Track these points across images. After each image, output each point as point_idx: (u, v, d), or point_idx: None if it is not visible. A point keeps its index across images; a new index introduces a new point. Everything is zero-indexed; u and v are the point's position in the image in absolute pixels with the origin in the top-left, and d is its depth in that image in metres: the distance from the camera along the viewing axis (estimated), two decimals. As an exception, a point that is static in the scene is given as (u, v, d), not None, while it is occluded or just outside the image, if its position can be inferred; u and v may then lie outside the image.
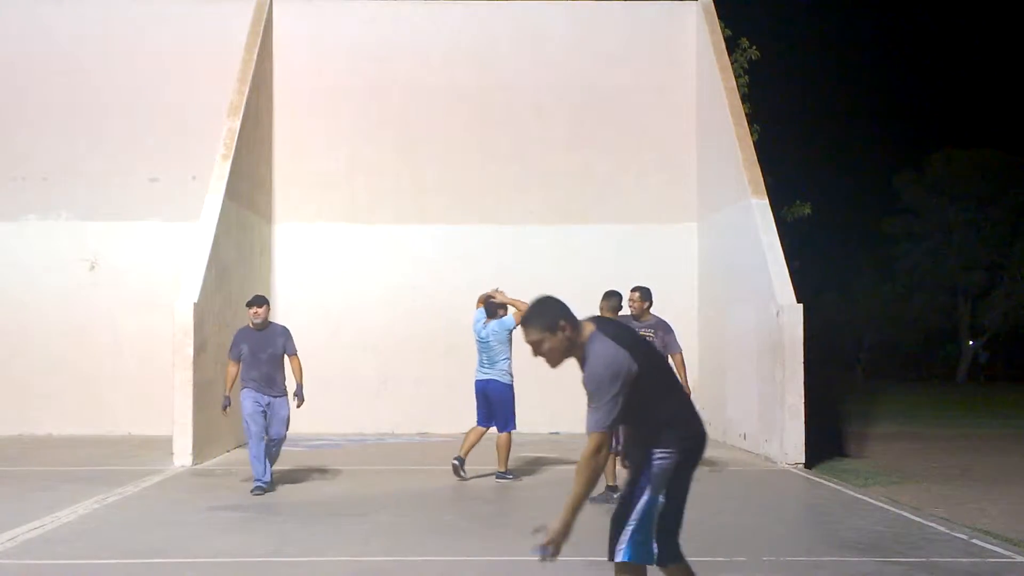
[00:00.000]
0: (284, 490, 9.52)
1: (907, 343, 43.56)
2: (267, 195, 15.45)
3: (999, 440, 15.67)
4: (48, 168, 15.41)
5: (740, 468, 11.33)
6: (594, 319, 4.24)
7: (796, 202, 19.06)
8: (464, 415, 14.13)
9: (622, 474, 4.93)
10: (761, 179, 13.10)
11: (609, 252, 15.32)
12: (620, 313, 9.39)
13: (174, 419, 11.32)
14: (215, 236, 12.41)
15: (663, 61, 16.00)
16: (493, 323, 9.88)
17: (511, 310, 9.80)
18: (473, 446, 10.15)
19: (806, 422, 11.31)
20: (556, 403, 12.67)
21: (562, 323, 4.10)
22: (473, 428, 10.20)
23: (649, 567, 4.24)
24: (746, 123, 14.12)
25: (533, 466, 11.18)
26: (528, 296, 4.62)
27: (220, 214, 12.64)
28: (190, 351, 11.34)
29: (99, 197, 15.31)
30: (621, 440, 4.38)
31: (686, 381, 9.81)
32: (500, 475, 10.13)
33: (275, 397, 9.35)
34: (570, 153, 15.84)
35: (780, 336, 11.49)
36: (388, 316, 15.40)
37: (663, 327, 9.68)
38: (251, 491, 9.26)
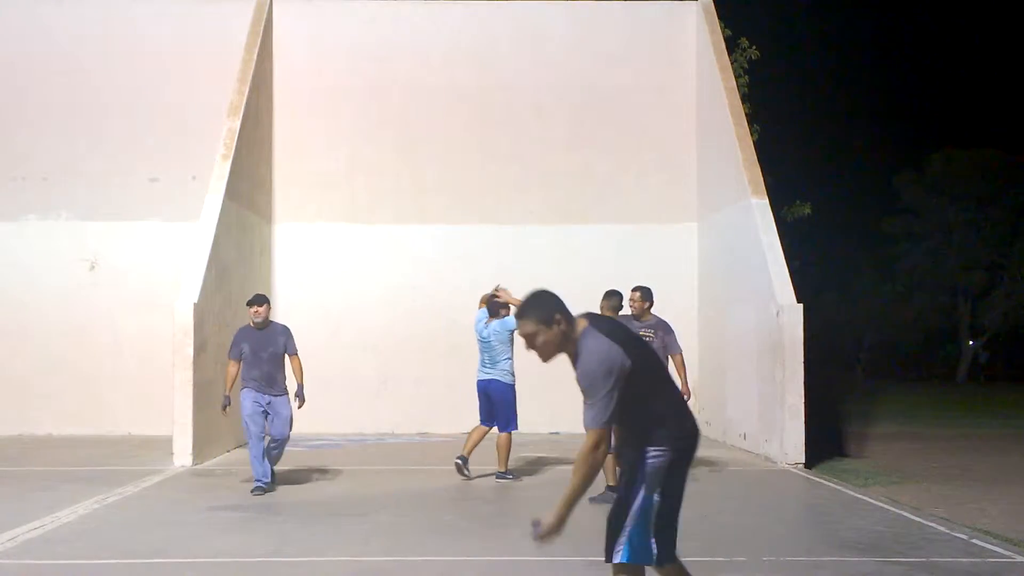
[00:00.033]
0: (284, 490, 9.51)
1: (907, 343, 43.55)
2: (267, 195, 15.45)
3: (999, 440, 15.66)
4: (48, 168, 15.41)
5: (740, 468, 11.33)
6: (587, 315, 4.21)
7: (796, 202, 19.06)
8: (464, 415, 14.14)
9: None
10: (761, 179, 13.10)
11: (609, 252, 15.32)
12: (620, 313, 9.39)
13: (174, 419, 11.32)
14: (215, 236, 12.41)
15: (663, 61, 16.00)
16: (495, 323, 9.89)
17: (513, 310, 9.80)
18: (476, 445, 10.16)
19: (806, 422, 11.32)
20: (556, 403, 12.65)
21: (557, 317, 4.08)
22: (476, 427, 10.21)
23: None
24: (746, 123, 14.13)
25: (533, 466, 11.18)
26: (528, 296, 4.61)
27: (220, 214, 12.65)
28: (190, 351, 11.35)
29: (99, 197, 15.32)
30: (614, 439, 4.35)
31: (686, 382, 9.83)
32: (500, 475, 10.13)
33: (276, 396, 9.34)
34: (570, 153, 15.84)
35: (780, 336, 11.49)
36: (388, 316, 15.40)
37: (663, 327, 9.69)
38: (251, 491, 9.26)
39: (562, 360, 4.19)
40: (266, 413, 9.35)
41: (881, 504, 8.94)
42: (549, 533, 4.08)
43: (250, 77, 14.38)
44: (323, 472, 10.71)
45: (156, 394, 13.18)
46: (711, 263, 14.98)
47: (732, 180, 13.76)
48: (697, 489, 9.72)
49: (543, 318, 4.08)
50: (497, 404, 10.01)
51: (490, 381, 10.01)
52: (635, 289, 9.70)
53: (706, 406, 14.79)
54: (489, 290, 10.03)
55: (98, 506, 8.65)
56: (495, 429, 10.13)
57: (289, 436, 9.52)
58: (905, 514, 8.42)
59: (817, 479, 10.55)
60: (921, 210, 40.21)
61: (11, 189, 15.39)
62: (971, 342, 41.76)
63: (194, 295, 11.66)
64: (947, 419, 19.72)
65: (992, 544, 7.18)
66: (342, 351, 15.03)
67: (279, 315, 13.36)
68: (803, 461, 11.25)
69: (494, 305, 9.90)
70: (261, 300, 9.49)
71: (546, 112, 15.91)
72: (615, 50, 16.01)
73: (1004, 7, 52.93)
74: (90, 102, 15.44)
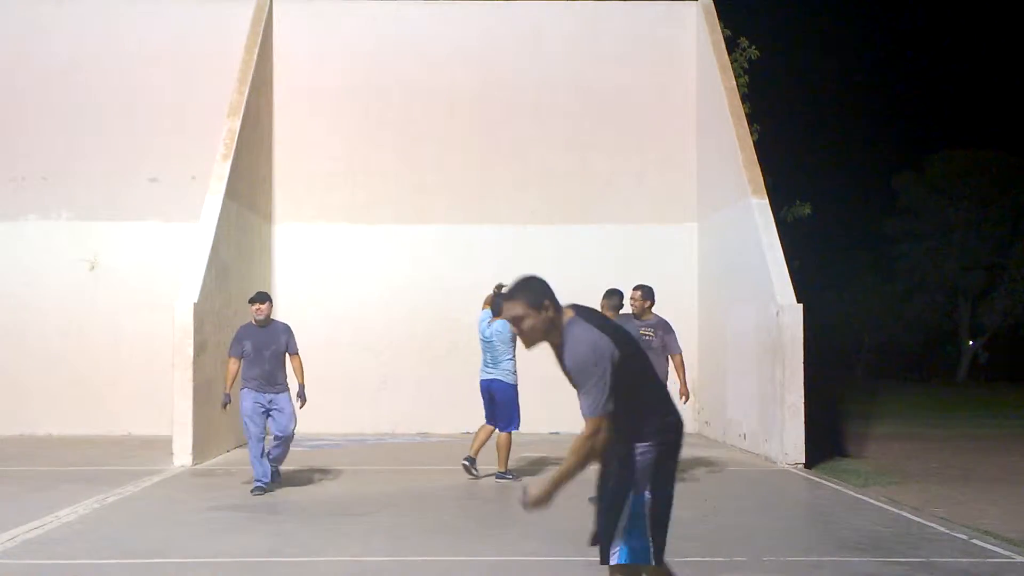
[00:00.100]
0: (284, 490, 9.51)
1: (907, 343, 43.52)
2: (267, 195, 15.45)
3: (999, 440, 15.66)
4: (48, 168, 15.41)
5: (740, 468, 11.33)
6: (574, 306, 4.19)
7: (796, 202, 19.06)
8: (464, 415, 14.19)
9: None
10: (761, 179, 13.11)
11: (609, 252, 15.32)
12: (621, 312, 9.40)
13: (174, 419, 11.32)
14: (215, 236, 12.42)
15: (663, 61, 16.00)
16: (497, 323, 9.89)
17: None
18: (483, 444, 10.17)
19: (806, 422, 11.32)
20: (556, 403, 12.63)
21: (546, 303, 4.07)
22: (482, 426, 10.24)
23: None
24: (746, 123, 14.13)
25: (533, 466, 11.18)
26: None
27: (220, 214, 12.65)
28: (190, 351, 11.35)
29: (99, 197, 15.32)
30: None
31: (685, 383, 9.85)
32: (500, 475, 10.14)
33: (277, 393, 9.32)
34: (570, 153, 15.84)
35: (780, 336, 11.49)
36: (388, 316, 15.40)
37: (663, 326, 9.71)
38: (251, 491, 9.26)
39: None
40: (267, 413, 9.34)
41: (881, 504, 8.94)
42: (535, 504, 4.07)
43: (250, 77, 14.39)
44: (323, 472, 10.71)
45: (156, 394, 13.19)
46: (711, 263, 14.99)
47: (732, 180, 13.76)
48: (697, 489, 9.77)
49: (532, 302, 4.07)
50: (498, 403, 10.02)
51: (492, 381, 10.03)
52: (636, 288, 9.73)
53: (706, 406, 14.81)
54: (490, 290, 10.03)
55: (98, 506, 8.66)
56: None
57: (293, 433, 9.46)
58: (905, 514, 8.42)
59: (817, 479, 10.55)
60: (921, 210, 40.18)
61: (11, 189, 15.39)
62: (971, 342, 41.74)
63: (194, 295, 11.66)
64: (947, 419, 19.72)
65: (992, 544, 7.18)
66: (342, 351, 15.04)
67: (279, 315, 13.33)
68: (803, 461, 11.25)
69: (499, 303, 9.89)
70: (263, 298, 9.48)
71: (546, 112, 15.91)
72: (615, 50, 16.02)
73: (1004, 7, 52.94)
74: (90, 102, 15.44)
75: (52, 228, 15.33)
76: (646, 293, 9.72)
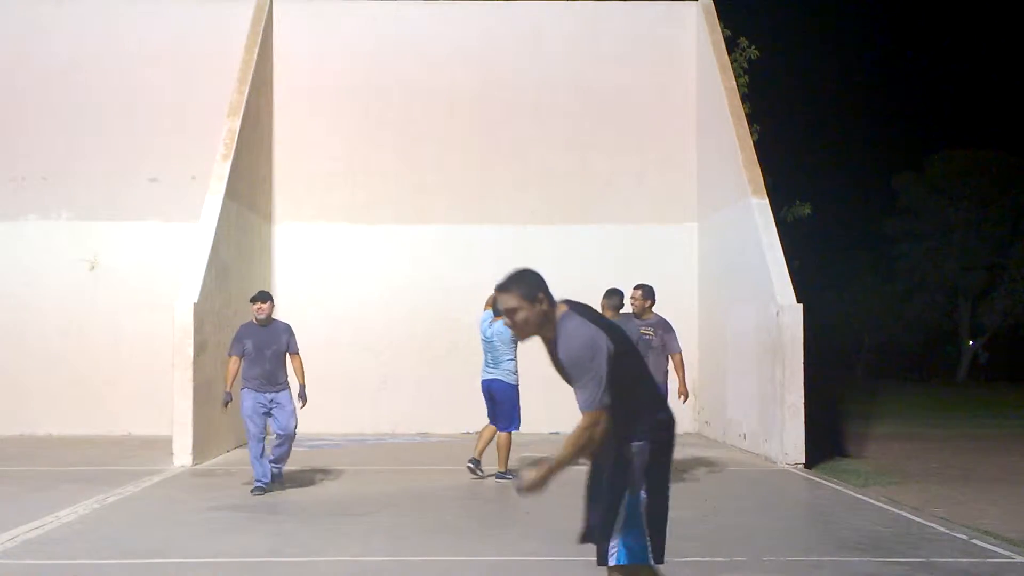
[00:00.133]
0: (284, 490, 9.50)
1: (907, 343, 43.53)
2: (267, 195, 15.45)
3: (999, 440, 15.66)
4: (48, 168, 15.41)
5: (740, 468, 11.33)
6: (567, 301, 4.18)
7: (796, 202, 19.06)
8: (464, 415, 14.19)
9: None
10: (761, 179, 13.10)
11: (609, 252, 15.32)
12: (622, 311, 9.41)
13: (174, 419, 11.32)
14: (215, 236, 12.42)
15: (663, 61, 16.00)
16: (498, 323, 9.88)
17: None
18: (487, 444, 10.17)
19: (806, 422, 11.32)
20: (556, 403, 12.62)
21: (540, 296, 4.07)
22: (485, 427, 10.24)
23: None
24: (746, 123, 14.13)
25: (532, 466, 11.16)
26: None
27: (220, 214, 12.65)
28: (190, 351, 11.35)
29: (99, 197, 15.32)
30: None
31: (684, 382, 9.86)
32: (500, 475, 10.13)
33: (278, 391, 9.31)
34: (570, 153, 15.84)
35: (780, 336, 11.49)
36: (388, 316, 15.40)
37: (663, 326, 9.73)
38: (251, 491, 9.26)
39: None
40: (267, 413, 9.33)
41: (881, 504, 8.95)
42: (529, 489, 4.07)
43: (250, 77, 14.39)
44: (323, 472, 10.71)
45: (156, 394, 13.20)
46: (711, 263, 14.99)
47: (732, 180, 13.76)
48: (697, 489, 9.77)
49: (526, 294, 4.06)
50: (499, 403, 10.03)
51: (493, 381, 10.04)
52: (636, 287, 9.75)
53: (706, 406, 14.81)
54: (491, 290, 10.01)
55: (98, 506, 8.66)
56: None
57: (295, 432, 9.42)
58: (905, 514, 8.42)
59: (817, 479, 10.55)
60: (921, 210, 40.18)
61: (11, 189, 15.39)
62: (971, 342, 41.74)
63: (194, 295, 11.66)
64: (947, 419, 19.72)
65: (992, 544, 7.18)
66: (342, 351, 15.04)
67: (279, 315, 13.35)
68: (803, 461, 11.25)
69: None
70: (265, 297, 9.47)
71: (546, 112, 15.91)
72: (615, 50, 16.02)
73: (1004, 7, 52.93)
74: (90, 102, 15.44)
75: (52, 228, 15.33)
76: (646, 292, 9.75)
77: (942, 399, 26.30)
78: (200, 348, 11.53)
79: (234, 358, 9.36)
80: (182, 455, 11.24)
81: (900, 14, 57.75)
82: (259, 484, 9.26)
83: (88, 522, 7.98)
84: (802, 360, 11.42)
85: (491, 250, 15.27)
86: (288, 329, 9.50)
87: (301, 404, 9.45)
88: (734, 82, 14.72)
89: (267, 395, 9.26)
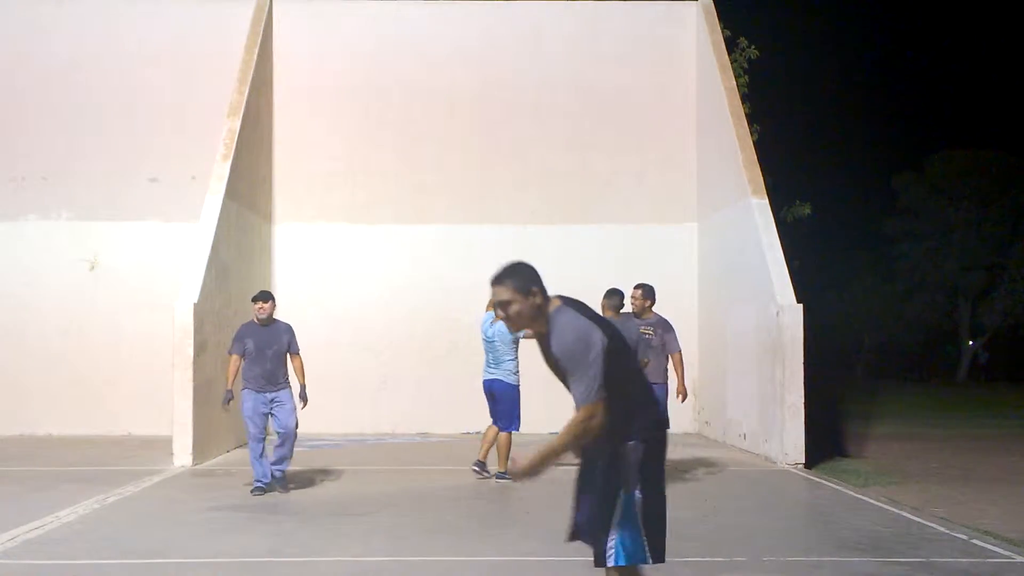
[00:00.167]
0: (288, 492, 9.47)
1: (907, 343, 43.55)
2: (267, 195, 15.45)
3: (999, 440, 15.66)
4: (48, 168, 15.41)
5: (740, 468, 11.33)
6: (561, 297, 4.17)
7: (796, 202, 19.06)
8: (464, 415, 14.20)
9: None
10: (761, 179, 13.11)
11: (609, 252, 15.32)
12: (622, 311, 9.41)
13: (174, 419, 11.32)
14: (215, 236, 12.42)
15: (663, 61, 16.00)
16: (500, 323, 9.88)
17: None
18: (491, 445, 10.16)
19: (806, 422, 11.32)
20: (556, 403, 12.64)
21: (534, 289, 4.06)
22: (489, 427, 10.23)
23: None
24: (746, 123, 14.13)
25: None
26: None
27: (220, 214, 12.65)
28: (190, 351, 11.35)
29: (99, 197, 15.32)
30: None
31: (683, 381, 9.87)
32: (500, 475, 10.13)
33: (279, 390, 9.29)
34: (570, 153, 15.84)
35: (780, 336, 11.49)
36: (388, 316, 15.40)
37: (663, 325, 9.74)
38: (251, 491, 9.26)
39: None
40: (268, 413, 9.30)
41: (881, 504, 8.95)
42: (523, 475, 4.06)
43: (250, 77, 14.39)
44: (323, 472, 10.70)
45: (156, 394, 13.19)
46: (711, 263, 14.99)
47: (732, 180, 13.76)
48: (697, 489, 9.77)
49: (520, 287, 4.06)
50: (499, 403, 10.03)
51: (494, 381, 10.05)
52: (637, 287, 9.76)
53: (706, 406, 14.81)
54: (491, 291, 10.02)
55: (98, 506, 8.66)
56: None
57: (296, 431, 9.35)
58: (905, 514, 8.42)
59: (817, 479, 10.55)
60: (921, 210, 40.19)
61: (11, 189, 15.39)
62: (971, 342, 41.75)
63: (194, 295, 11.66)
64: (947, 419, 19.72)
65: (992, 544, 7.18)
66: (342, 351, 15.04)
67: (279, 315, 13.36)
68: (803, 461, 11.25)
69: None
70: (267, 296, 9.45)
71: (546, 112, 15.91)
72: (615, 50, 16.01)
73: (1004, 7, 52.93)
74: (90, 102, 15.44)
75: (52, 228, 15.33)
76: (647, 292, 9.76)
77: (942, 399, 26.31)
78: (200, 348, 11.53)
79: (235, 357, 9.34)
80: (182, 455, 11.24)
81: (900, 14, 57.76)
82: (259, 484, 9.26)
83: (88, 522, 7.98)
84: (802, 360, 11.42)
85: (491, 250, 15.23)
86: (289, 329, 9.48)
87: (302, 404, 9.43)
88: (734, 82, 14.72)
89: (268, 395, 9.25)
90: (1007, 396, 27.50)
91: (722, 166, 14.36)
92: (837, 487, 10.01)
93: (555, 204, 15.75)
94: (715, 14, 15.59)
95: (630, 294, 9.66)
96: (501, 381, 10.01)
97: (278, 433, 9.33)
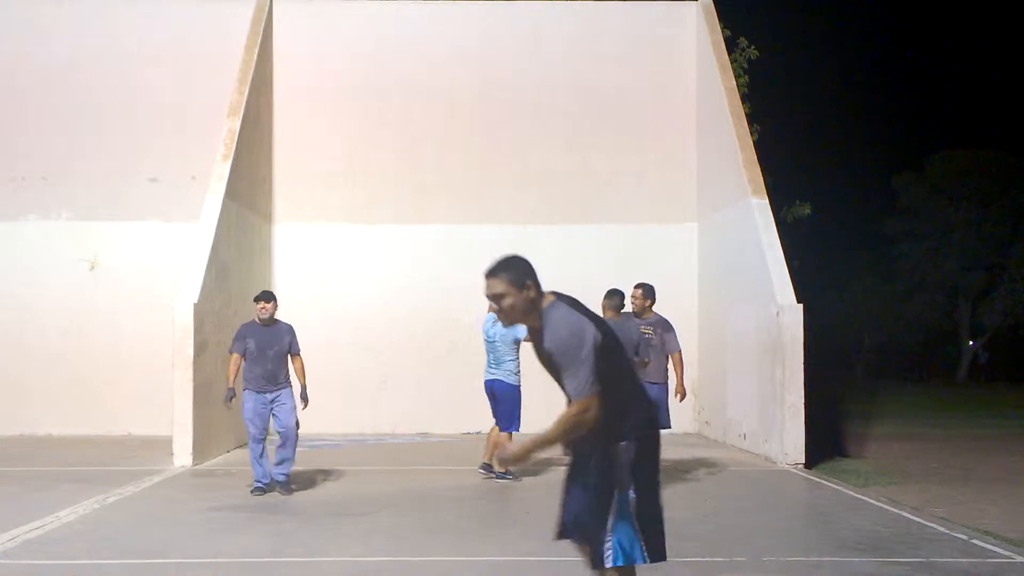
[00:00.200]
0: (292, 495, 9.42)
1: (907, 343, 43.56)
2: (267, 195, 15.45)
3: (999, 440, 15.66)
4: (48, 168, 15.41)
5: (740, 468, 11.33)
6: (555, 293, 4.17)
7: (796, 202, 19.06)
8: (464, 415, 14.21)
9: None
10: (761, 179, 13.10)
11: (609, 252, 15.32)
12: (622, 311, 9.41)
13: (174, 419, 11.32)
14: (215, 236, 12.41)
15: (663, 61, 16.00)
16: (501, 324, 9.86)
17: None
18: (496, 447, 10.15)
19: (806, 422, 11.31)
20: (556, 403, 12.65)
21: (528, 283, 4.07)
22: (492, 428, 10.22)
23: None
24: (746, 123, 14.13)
25: (533, 466, 11.16)
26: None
27: (220, 214, 12.65)
28: (190, 351, 11.35)
29: (99, 197, 15.32)
30: None
31: (681, 380, 9.87)
32: (500, 475, 10.13)
33: (280, 390, 9.28)
34: (570, 153, 15.84)
35: (780, 336, 11.49)
36: (388, 316, 15.40)
37: (663, 324, 9.75)
38: (251, 491, 9.26)
39: None
40: (269, 413, 9.27)
41: (881, 504, 8.94)
42: (512, 460, 4.11)
43: (250, 77, 14.39)
44: (323, 472, 10.70)
45: (156, 394, 13.19)
46: (711, 263, 14.98)
47: (732, 180, 13.76)
48: (697, 489, 9.77)
49: (514, 280, 4.06)
50: (500, 403, 10.03)
51: (495, 381, 10.05)
52: (637, 286, 9.77)
53: (706, 406, 14.81)
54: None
55: (98, 506, 8.65)
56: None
57: (297, 431, 9.29)
58: (905, 514, 8.42)
59: (817, 479, 10.55)
60: (921, 210, 40.20)
61: (11, 189, 15.39)
62: (971, 342, 41.76)
63: (194, 295, 11.66)
64: (947, 419, 19.72)
65: (992, 544, 7.18)
66: (342, 351, 15.03)
67: (279, 316, 13.36)
68: (803, 461, 11.24)
69: None
70: (269, 296, 9.44)
71: (546, 112, 15.91)
72: (615, 50, 16.01)
73: (1003, 7, 52.94)
74: (90, 102, 15.44)
75: (52, 228, 15.33)
76: (647, 291, 9.77)
77: (942, 399, 26.31)
78: (200, 348, 11.53)
79: (235, 356, 9.30)
80: (182, 455, 11.23)
81: (900, 14, 57.77)
82: (259, 485, 9.26)
83: (88, 522, 7.98)
84: (802, 360, 11.42)
85: (491, 250, 15.03)
86: (291, 330, 9.46)
87: (303, 405, 9.40)
88: (734, 82, 14.72)
89: (268, 395, 9.23)
90: (1007, 396, 27.50)
91: (722, 166, 14.36)
92: (837, 487, 10.01)
93: (555, 204, 15.75)
94: (715, 14, 15.59)
95: (630, 294, 9.66)
96: (502, 381, 10.00)
97: (279, 433, 9.31)
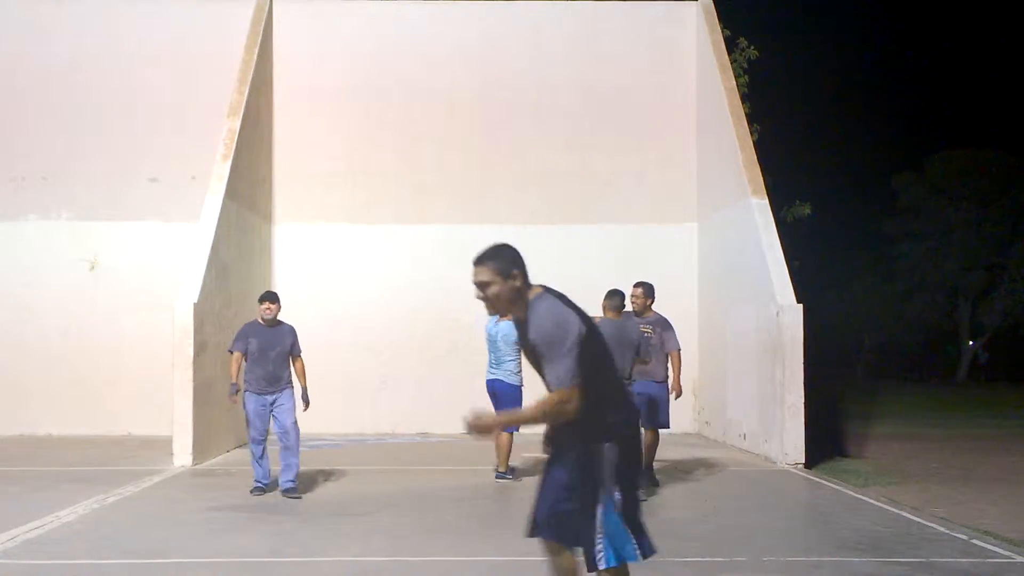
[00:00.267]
0: (300, 499, 9.35)
1: (907, 343, 43.56)
2: (267, 195, 15.45)
3: (999, 440, 15.67)
4: (48, 168, 15.42)
5: (740, 468, 11.33)
6: (543, 286, 4.17)
7: (796, 202, 19.07)
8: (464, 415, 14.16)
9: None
10: (761, 179, 13.11)
11: (609, 252, 15.32)
12: (623, 311, 9.40)
13: (174, 419, 11.32)
14: (215, 236, 12.41)
15: (663, 61, 16.01)
16: (503, 323, 9.87)
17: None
18: (509, 452, 10.10)
19: (806, 422, 11.31)
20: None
21: (514, 272, 4.06)
22: (499, 435, 10.11)
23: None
24: (746, 123, 14.13)
25: (533, 466, 11.17)
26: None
27: (220, 214, 12.65)
28: (190, 351, 11.35)
29: (99, 197, 15.32)
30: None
31: (678, 379, 9.85)
32: (500, 475, 10.13)
33: (280, 392, 9.26)
34: (570, 153, 15.84)
35: (780, 336, 11.49)
36: (388, 316, 15.40)
37: (662, 323, 9.75)
38: (251, 491, 9.25)
39: None
40: (270, 416, 9.25)
41: (881, 504, 8.95)
42: (477, 429, 4.10)
43: (250, 77, 14.39)
44: (323, 472, 10.70)
45: (156, 394, 13.19)
46: (711, 263, 14.99)
47: (732, 180, 13.76)
48: (697, 489, 9.77)
49: (500, 269, 4.07)
50: (500, 403, 10.00)
51: (495, 381, 10.05)
52: (636, 285, 9.76)
53: (706, 406, 14.81)
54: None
55: (98, 506, 8.65)
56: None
57: (298, 433, 9.19)
58: (905, 514, 8.42)
59: (817, 479, 10.55)
60: (921, 210, 40.20)
61: (11, 189, 15.39)
62: (971, 342, 41.76)
63: (194, 295, 11.66)
64: (947, 419, 19.73)
65: (992, 544, 7.18)
66: (342, 351, 15.03)
67: (280, 316, 13.36)
68: (803, 461, 11.24)
69: None
70: (274, 297, 9.42)
71: (546, 112, 15.91)
72: (615, 50, 16.02)
73: (1003, 7, 52.94)
74: (90, 102, 15.44)
75: (52, 228, 15.33)
76: (647, 290, 9.76)
77: (942, 399, 26.31)
78: (200, 348, 11.53)
79: (237, 354, 9.22)
80: (182, 455, 11.23)
81: (900, 14, 57.78)
82: (259, 485, 9.25)
83: (88, 522, 7.98)
84: (802, 360, 11.42)
85: (491, 250, 15.21)
86: (293, 331, 9.42)
87: (304, 407, 9.38)
88: (734, 82, 14.72)
89: (269, 397, 9.20)
90: (1007, 396, 27.51)
91: (722, 166, 14.36)
92: (837, 487, 10.01)
93: (555, 204, 15.75)
94: (715, 14, 15.59)
95: (630, 293, 9.65)
96: (502, 381, 10.00)
97: (279, 435, 9.25)
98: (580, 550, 4.14)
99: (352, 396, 15.01)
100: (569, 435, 4.13)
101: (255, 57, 14.67)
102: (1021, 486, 10.74)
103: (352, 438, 14.37)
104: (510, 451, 10.20)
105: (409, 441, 14.29)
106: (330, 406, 13.60)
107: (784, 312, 11.50)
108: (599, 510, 4.04)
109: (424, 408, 15.11)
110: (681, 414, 13.23)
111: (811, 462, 11.37)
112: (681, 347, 9.96)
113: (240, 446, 12.22)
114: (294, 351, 9.37)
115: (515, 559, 6.68)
